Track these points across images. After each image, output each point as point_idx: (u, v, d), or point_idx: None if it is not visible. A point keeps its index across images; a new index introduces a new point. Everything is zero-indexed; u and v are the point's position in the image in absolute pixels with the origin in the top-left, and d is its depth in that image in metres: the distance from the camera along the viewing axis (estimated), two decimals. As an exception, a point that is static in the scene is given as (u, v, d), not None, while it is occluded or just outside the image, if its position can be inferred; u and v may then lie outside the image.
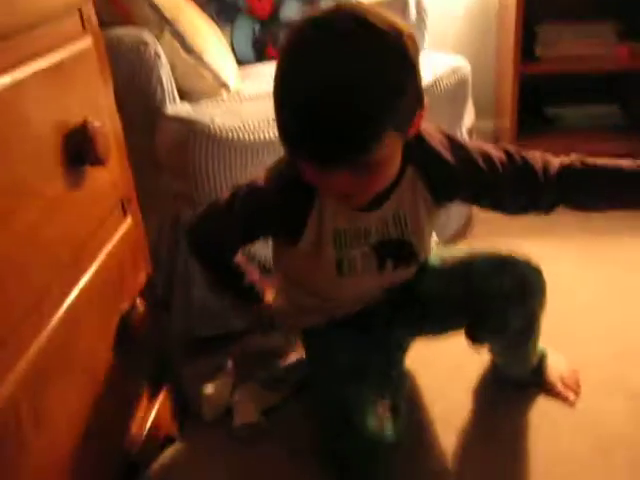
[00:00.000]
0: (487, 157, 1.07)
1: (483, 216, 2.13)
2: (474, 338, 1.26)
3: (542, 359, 1.41)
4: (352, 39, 0.85)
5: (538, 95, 2.43)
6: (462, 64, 1.84)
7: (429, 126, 1.08)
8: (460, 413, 1.36)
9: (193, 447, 1.30)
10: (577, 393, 1.38)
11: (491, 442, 1.29)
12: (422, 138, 1.06)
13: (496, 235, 2.00)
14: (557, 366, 1.42)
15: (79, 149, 0.93)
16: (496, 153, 1.08)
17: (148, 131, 1.51)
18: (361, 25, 0.85)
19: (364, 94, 0.83)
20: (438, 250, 1.31)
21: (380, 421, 1.10)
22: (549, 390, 1.39)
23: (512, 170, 1.07)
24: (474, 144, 1.11)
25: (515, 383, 1.40)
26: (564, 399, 1.37)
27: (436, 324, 1.28)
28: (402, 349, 1.33)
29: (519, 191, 1.09)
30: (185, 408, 1.35)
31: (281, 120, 0.90)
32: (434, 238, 1.36)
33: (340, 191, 0.95)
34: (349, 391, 1.13)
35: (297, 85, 0.86)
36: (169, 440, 1.28)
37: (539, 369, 1.40)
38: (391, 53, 0.87)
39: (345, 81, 0.83)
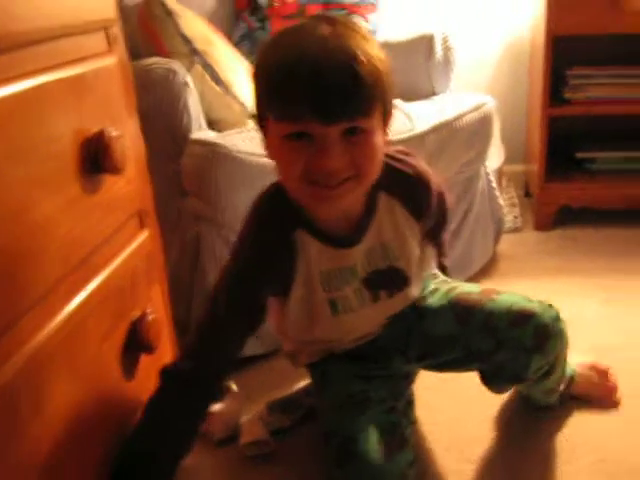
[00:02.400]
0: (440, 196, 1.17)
1: (508, 254, 2.13)
2: (491, 385, 1.27)
3: (571, 381, 1.40)
4: (347, 24, 0.95)
5: (570, 140, 2.44)
6: (486, 101, 1.86)
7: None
8: (476, 442, 1.34)
9: (200, 465, 1.30)
10: (615, 392, 1.40)
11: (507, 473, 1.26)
12: (391, 167, 1.09)
13: (520, 273, 1.99)
14: (587, 378, 1.42)
15: (96, 157, 0.98)
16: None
17: (175, 157, 1.56)
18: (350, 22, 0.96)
19: (366, 63, 0.89)
20: (443, 285, 1.30)
21: (383, 452, 1.09)
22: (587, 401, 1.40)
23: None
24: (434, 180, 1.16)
25: (542, 408, 1.40)
26: (605, 406, 1.38)
27: (445, 365, 1.27)
28: (408, 379, 1.32)
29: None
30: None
31: (275, 83, 0.92)
32: (434, 270, 1.35)
33: (326, 164, 0.92)
34: (349, 423, 1.12)
35: (295, 49, 0.90)
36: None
37: (567, 390, 1.40)
38: (379, 48, 0.95)
39: (348, 47, 0.89)
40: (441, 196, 1.19)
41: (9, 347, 0.80)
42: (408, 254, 1.15)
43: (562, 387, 1.37)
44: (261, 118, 1.00)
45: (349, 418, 1.14)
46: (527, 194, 2.63)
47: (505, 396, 1.43)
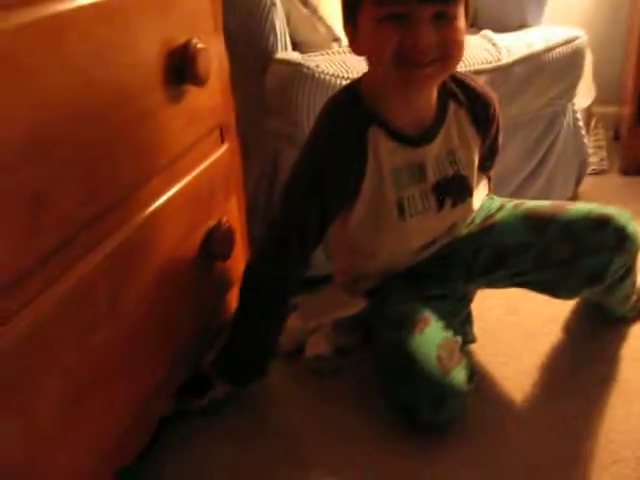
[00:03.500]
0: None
1: (590, 195, 2.09)
2: (561, 291, 1.29)
3: None
4: None
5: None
6: (579, 35, 1.80)
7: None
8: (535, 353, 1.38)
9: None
10: None
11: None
12: (460, 80, 1.20)
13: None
14: None
15: (181, 67, 1.01)
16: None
17: (259, 76, 1.58)
18: None
19: None
20: (508, 203, 1.34)
21: (441, 368, 1.14)
22: None
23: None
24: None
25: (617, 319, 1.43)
26: None
27: (509, 278, 1.30)
28: (466, 299, 1.36)
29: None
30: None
31: None
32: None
33: (419, 39, 1.01)
34: (408, 341, 1.17)
35: None
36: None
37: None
38: None
39: None
40: (499, 122, 1.26)
41: (90, 242, 0.85)
42: (472, 164, 1.22)
43: (635, 297, 1.41)
44: (351, 13, 1.08)
45: (408, 337, 1.17)
46: (616, 137, 2.54)
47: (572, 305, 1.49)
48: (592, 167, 2.26)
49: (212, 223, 1.16)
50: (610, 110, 2.58)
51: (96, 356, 0.87)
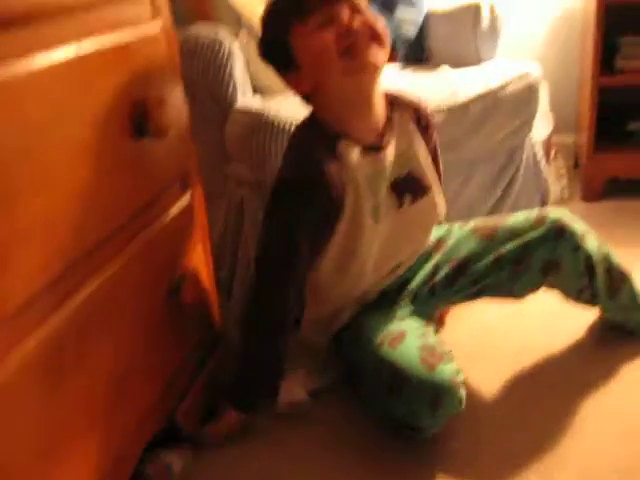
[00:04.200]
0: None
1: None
2: (517, 288, 1.38)
3: None
4: None
5: (622, 111, 2.39)
6: (532, 70, 1.85)
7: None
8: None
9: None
10: None
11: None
12: (397, 94, 1.35)
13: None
14: None
15: (140, 121, 1.02)
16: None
17: (221, 123, 1.61)
18: None
19: None
20: (453, 225, 1.48)
21: (427, 368, 1.19)
22: None
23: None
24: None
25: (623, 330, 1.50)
26: None
27: (477, 282, 1.39)
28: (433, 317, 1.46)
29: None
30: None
31: (288, 4, 1.21)
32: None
33: (350, 23, 1.17)
34: (391, 355, 1.23)
35: None
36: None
37: None
38: None
39: None
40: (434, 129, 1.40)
41: (55, 301, 0.85)
42: (423, 165, 1.34)
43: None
44: (285, 55, 1.22)
45: (389, 352, 1.23)
46: (577, 165, 2.60)
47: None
48: (554, 196, 2.30)
49: (178, 272, 1.16)
50: (569, 139, 2.63)
51: (66, 409, 0.87)
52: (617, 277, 1.44)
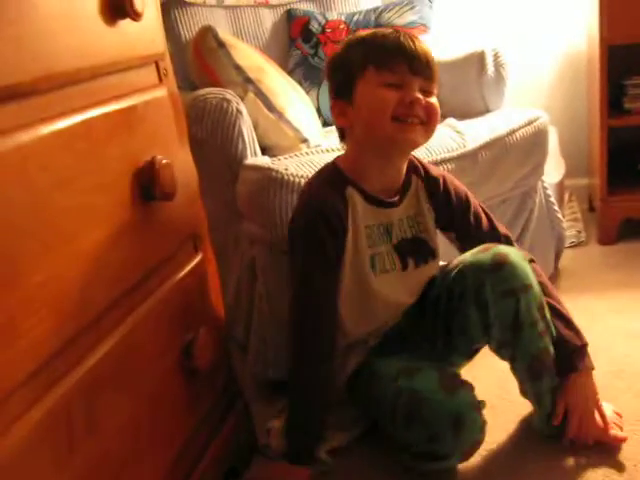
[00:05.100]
0: (462, 194, 1.42)
1: (570, 269, 2.10)
2: (457, 330, 1.36)
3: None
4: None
5: (633, 151, 2.39)
6: (540, 115, 1.86)
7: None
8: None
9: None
10: (620, 427, 1.32)
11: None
12: (418, 161, 1.41)
13: (583, 289, 1.96)
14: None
15: (147, 184, 1.02)
16: (470, 197, 1.43)
17: (231, 183, 1.61)
18: None
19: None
20: None
21: (449, 388, 1.20)
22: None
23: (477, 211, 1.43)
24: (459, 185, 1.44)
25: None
26: (612, 441, 1.30)
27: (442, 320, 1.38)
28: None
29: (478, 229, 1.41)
30: (254, 444, 1.39)
31: (375, 43, 1.27)
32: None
33: (412, 96, 1.24)
34: (408, 383, 1.25)
35: (380, 31, 1.31)
36: (234, 473, 1.32)
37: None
38: None
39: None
40: (449, 190, 1.41)
41: (64, 366, 0.84)
42: (429, 230, 1.39)
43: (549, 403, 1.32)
44: (347, 86, 1.28)
45: (408, 382, 1.25)
46: (591, 208, 2.59)
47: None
48: (570, 240, 2.29)
49: (190, 334, 1.15)
50: (582, 182, 2.63)
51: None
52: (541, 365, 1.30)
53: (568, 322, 1.34)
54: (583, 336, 1.34)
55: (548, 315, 1.29)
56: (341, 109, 1.31)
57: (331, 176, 1.33)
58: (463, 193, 1.43)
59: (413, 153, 1.36)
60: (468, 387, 1.23)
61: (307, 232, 1.29)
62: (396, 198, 1.35)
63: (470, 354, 1.43)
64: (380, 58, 1.25)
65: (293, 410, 1.31)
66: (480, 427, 1.20)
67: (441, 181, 1.40)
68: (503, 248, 1.30)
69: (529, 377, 1.31)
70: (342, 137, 1.38)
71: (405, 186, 1.36)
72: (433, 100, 1.28)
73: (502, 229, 1.46)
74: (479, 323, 1.30)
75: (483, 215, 1.44)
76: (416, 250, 1.37)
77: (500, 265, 1.26)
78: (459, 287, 1.32)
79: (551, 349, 1.29)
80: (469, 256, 1.32)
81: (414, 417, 1.21)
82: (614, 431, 1.31)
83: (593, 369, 1.33)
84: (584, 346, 1.33)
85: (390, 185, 1.35)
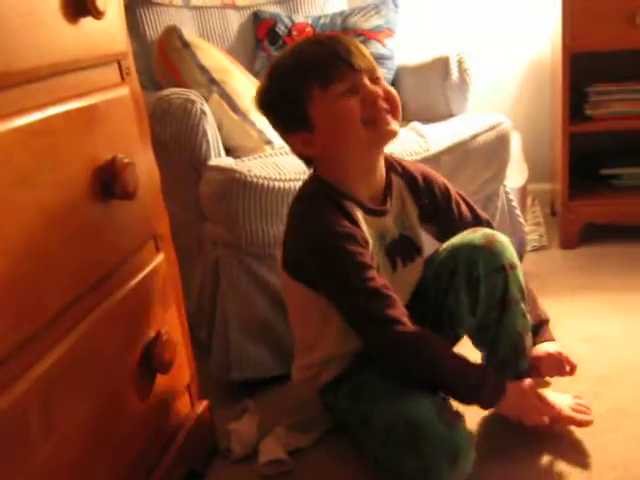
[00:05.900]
0: (442, 186, 1.42)
1: (533, 272, 2.12)
2: (453, 306, 1.34)
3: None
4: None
5: (595, 157, 2.43)
6: (502, 121, 1.88)
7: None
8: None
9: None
10: (588, 414, 1.33)
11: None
12: (394, 159, 1.40)
13: (544, 291, 1.97)
14: (560, 399, 1.35)
15: (108, 183, 1.02)
16: (449, 186, 1.44)
17: (195, 183, 1.61)
18: None
19: None
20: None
21: (450, 423, 1.14)
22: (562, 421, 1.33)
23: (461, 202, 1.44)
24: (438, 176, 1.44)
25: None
26: (579, 424, 1.32)
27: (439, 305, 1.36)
28: None
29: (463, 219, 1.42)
30: (215, 446, 1.38)
31: (312, 65, 1.23)
32: None
33: (373, 92, 1.22)
34: (404, 407, 1.17)
35: (315, 39, 1.37)
36: (195, 475, 1.31)
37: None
38: None
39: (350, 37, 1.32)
40: (432, 183, 1.42)
41: (18, 368, 0.83)
42: (414, 227, 1.38)
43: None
44: (299, 117, 1.25)
45: (403, 403, 1.18)
46: (553, 213, 2.62)
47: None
48: (532, 244, 2.32)
49: (150, 335, 1.14)
50: (545, 187, 2.67)
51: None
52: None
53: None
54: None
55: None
56: (304, 140, 1.27)
57: (324, 190, 1.27)
58: (442, 184, 1.43)
59: (386, 151, 1.34)
60: (462, 419, 1.18)
61: (336, 248, 1.22)
62: (387, 205, 1.33)
63: (453, 341, 1.41)
64: (321, 75, 1.22)
65: (444, 375, 1.22)
66: (474, 460, 1.17)
67: (420, 177, 1.39)
68: (490, 230, 1.35)
69: (513, 358, 1.33)
70: (308, 163, 1.35)
71: (388, 188, 1.34)
72: (386, 85, 1.27)
73: (482, 214, 1.48)
74: (468, 301, 1.31)
75: (462, 203, 1.45)
76: (403, 248, 1.35)
77: (491, 242, 1.30)
78: (450, 266, 1.32)
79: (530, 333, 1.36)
80: (458, 238, 1.34)
81: (410, 447, 1.15)
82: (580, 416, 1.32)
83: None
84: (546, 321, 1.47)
85: (376, 190, 1.32)
